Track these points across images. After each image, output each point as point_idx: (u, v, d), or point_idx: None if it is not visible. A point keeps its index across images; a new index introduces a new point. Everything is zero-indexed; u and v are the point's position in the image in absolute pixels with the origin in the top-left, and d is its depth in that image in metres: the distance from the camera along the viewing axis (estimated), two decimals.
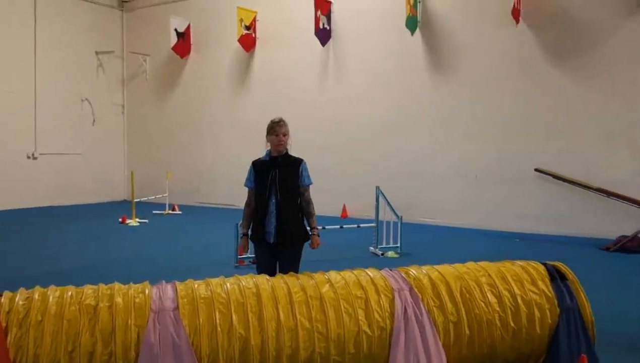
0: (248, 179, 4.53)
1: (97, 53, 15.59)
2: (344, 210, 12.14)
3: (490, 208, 10.80)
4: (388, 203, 8.29)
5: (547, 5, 10.27)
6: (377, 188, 8.39)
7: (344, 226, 9.02)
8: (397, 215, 8.34)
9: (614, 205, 9.38)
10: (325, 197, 10.69)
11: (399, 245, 8.35)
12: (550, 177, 9.97)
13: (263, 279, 3.52)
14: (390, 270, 3.80)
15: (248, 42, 13.70)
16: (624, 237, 8.78)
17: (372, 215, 8.61)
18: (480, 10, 10.98)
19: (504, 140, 10.70)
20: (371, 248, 8.42)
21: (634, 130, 9.55)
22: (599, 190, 9.35)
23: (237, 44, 13.67)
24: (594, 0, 9.86)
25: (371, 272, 3.70)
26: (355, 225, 9.00)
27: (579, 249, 8.78)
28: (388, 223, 8.35)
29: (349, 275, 3.64)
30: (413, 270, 3.76)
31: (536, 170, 10.12)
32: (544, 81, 10.29)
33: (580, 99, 9.99)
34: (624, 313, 5.35)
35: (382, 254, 8.18)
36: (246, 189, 4.58)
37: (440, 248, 8.99)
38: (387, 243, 8.37)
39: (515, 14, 10.20)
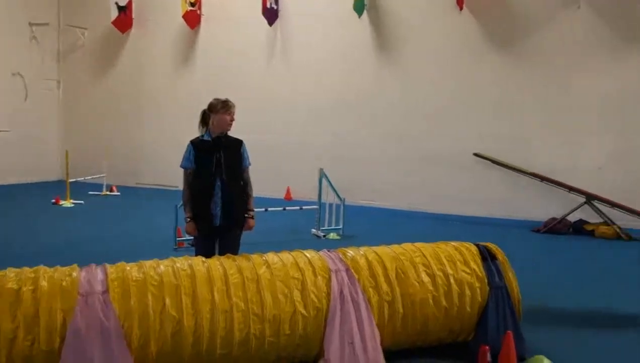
0: (187, 159, 4.34)
1: (30, 24, 14.73)
2: (288, 192, 12.12)
3: (431, 191, 11.03)
4: (331, 185, 8.32)
5: None
6: (321, 170, 8.40)
7: (287, 208, 9.01)
8: (339, 197, 8.40)
9: (547, 190, 9.79)
10: (269, 179, 10.69)
11: (341, 227, 8.42)
12: (488, 162, 10.29)
13: (198, 261, 3.47)
14: (329, 251, 3.83)
15: (193, 19, 13.32)
16: (553, 219, 9.21)
17: (315, 198, 8.63)
18: None
19: (445, 124, 10.92)
20: (313, 230, 8.46)
21: (568, 117, 9.96)
22: (533, 175, 9.74)
23: (182, 20, 13.26)
24: None
25: (309, 254, 3.71)
26: (298, 207, 9.00)
27: (512, 231, 9.15)
28: (331, 205, 8.40)
29: (286, 256, 3.64)
30: (351, 252, 3.80)
31: (475, 154, 10.42)
32: (486, 67, 10.54)
33: (520, 85, 10.30)
34: (549, 291, 5.63)
35: (324, 236, 8.23)
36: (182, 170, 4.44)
37: (381, 230, 9.14)
38: (330, 225, 8.42)
39: (459, 0, 10.39)
